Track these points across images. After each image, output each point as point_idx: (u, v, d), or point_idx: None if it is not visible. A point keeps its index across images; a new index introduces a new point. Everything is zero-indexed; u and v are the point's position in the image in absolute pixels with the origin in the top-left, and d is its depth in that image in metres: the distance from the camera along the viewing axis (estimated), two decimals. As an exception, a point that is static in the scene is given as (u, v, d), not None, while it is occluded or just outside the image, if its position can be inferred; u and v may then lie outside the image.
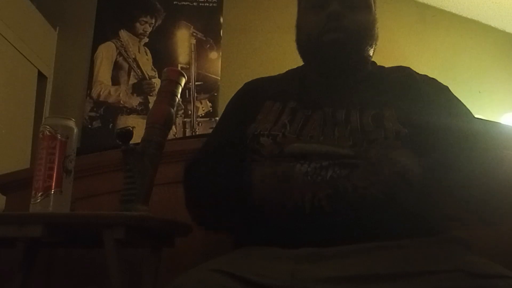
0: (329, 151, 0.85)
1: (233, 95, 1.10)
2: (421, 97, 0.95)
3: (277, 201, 0.84)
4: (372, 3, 1.03)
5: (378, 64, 1.08)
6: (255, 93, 1.03)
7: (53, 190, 0.91)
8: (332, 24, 0.96)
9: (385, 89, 0.98)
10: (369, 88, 0.98)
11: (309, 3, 1.03)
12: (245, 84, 1.10)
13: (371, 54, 1.03)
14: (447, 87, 1.01)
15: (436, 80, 1.03)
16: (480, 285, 0.66)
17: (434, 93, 0.97)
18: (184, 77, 1.07)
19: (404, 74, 1.02)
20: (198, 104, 2.94)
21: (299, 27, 1.05)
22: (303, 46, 1.04)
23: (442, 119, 0.90)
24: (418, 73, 1.03)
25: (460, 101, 0.98)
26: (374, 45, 1.03)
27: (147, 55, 3.02)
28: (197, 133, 2.86)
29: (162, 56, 3.01)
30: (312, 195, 0.81)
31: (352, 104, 0.93)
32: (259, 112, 0.97)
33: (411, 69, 1.04)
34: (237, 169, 0.91)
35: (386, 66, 1.08)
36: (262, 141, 0.90)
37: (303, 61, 1.06)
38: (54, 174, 0.92)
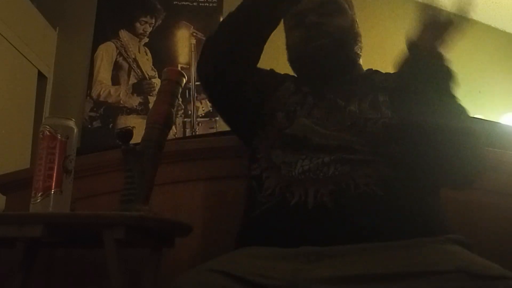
0: (328, 133, 0.90)
1: None
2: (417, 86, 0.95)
3: (280, 197, 0.85)
4: (347, 6, 1.10)
5: (376, 67, 1.11)
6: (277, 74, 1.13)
7: (53, 190, 0.91)
8: (312, 33, 1.02)
9: (379, 82, 1.02)
10: (364, 82, 1.03)
11: (290, 23, 1.09)
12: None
13: (359, 52, 1.09)
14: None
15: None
16: (480, 286, 0.66)
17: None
18: (184, 77, 1.07)
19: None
20: (198, 104, 2.94)
21: (287, 47, 1.11)
22: (293, 62, 1.10)
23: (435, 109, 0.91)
24: None
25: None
26: (359, 43, 1.09)
27: (147, 55, 3.02)
28: (197, 133, 2.86)
29: (162, 56, 3.01)
30: (315, 190, 0.82)
31: (352, 94, 0.98)
32: (278, 89, 1.06)
33: None
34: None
35: (387, 66, 1.09)
36: (277, 116, 0.98)
37: (298, 76, 1.11)
38: (54, 174, 0.92)
